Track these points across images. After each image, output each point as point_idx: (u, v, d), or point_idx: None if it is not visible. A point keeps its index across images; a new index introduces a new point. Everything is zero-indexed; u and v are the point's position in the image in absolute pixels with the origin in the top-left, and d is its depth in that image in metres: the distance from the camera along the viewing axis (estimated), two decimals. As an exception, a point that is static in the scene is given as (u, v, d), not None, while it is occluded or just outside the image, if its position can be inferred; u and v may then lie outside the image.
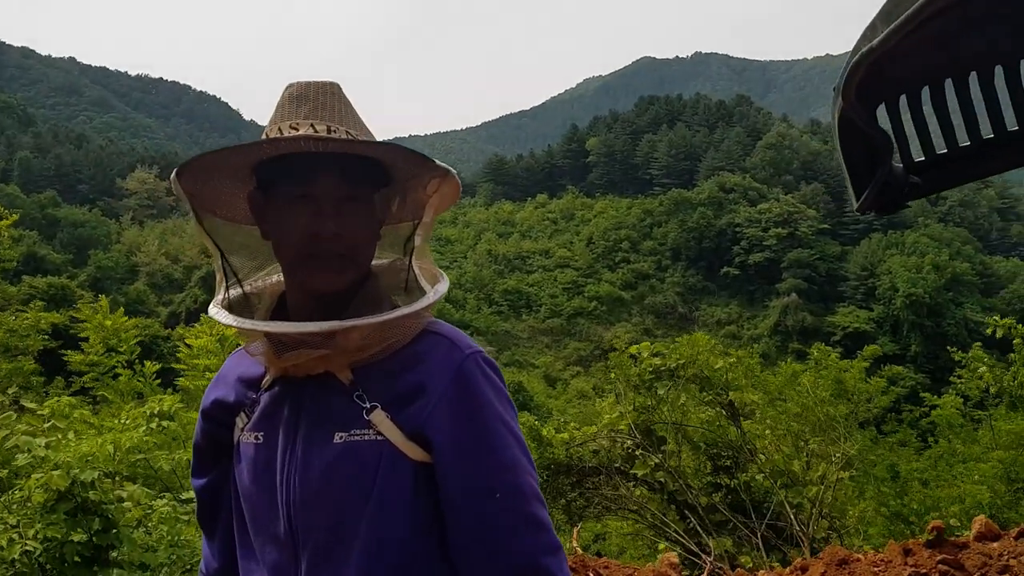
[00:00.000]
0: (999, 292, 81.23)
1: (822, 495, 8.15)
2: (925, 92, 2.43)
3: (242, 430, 1.52)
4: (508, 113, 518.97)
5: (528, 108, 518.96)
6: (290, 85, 1.43)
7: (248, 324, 1.40)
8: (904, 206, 2.47)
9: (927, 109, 2.47)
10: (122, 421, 5.03)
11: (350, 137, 1.38)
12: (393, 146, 1.36)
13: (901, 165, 2.49)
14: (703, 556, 7.31)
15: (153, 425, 4.98)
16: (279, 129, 1.37)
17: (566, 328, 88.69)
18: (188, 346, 6.82)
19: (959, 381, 16.87)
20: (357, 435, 1.39)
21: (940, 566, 3.91)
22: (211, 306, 1.49)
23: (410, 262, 1.53)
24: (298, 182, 1.38)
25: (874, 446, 15.54)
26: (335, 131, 1.37)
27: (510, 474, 1.41)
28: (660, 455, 8.01)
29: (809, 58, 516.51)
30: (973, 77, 2.39)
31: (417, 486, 1.41)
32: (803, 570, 4.29)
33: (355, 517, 1.37)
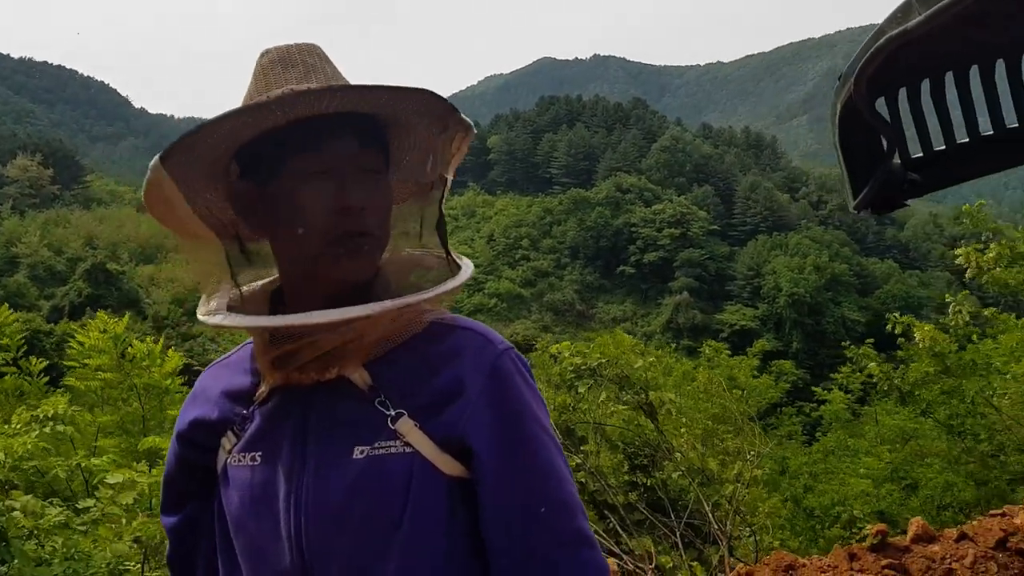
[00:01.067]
0: (874, 292, 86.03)
1: (738, 493, 8.22)
2: (925, 85, 2.33)
3: (231, 452, 1.28)
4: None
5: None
6: (267, 51, 1.21)
7: (279, 321, 1.16)
8: (902, 205, 2.36)
9: (926, 103, 2.36)
10: (13, 426, 4.50)
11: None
12: (426, 90, 1.14)
13: (899, 162, 2.38)
14: (624, 557, 7.24)
15: (47, 429, 4.49)
16: (268, 99, 1.10)
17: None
18: (80, 343, 6.24)
19: (839, 376, 17.66)
20: (382, 448, 1.18)
21: (886, 571, 3.91)
22: (209, 311, 1.25)
23: (439, 236, 1.31)
24: (312, 154, 1.15)
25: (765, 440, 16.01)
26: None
27: (555, 484, 1.23)
28: (581, 455, 7.90)
29: (701, 64, 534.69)
30: (974, 71, 2.30)
31: (453, 505, 1.20)
32: None
33: (383, 543, 1.16)
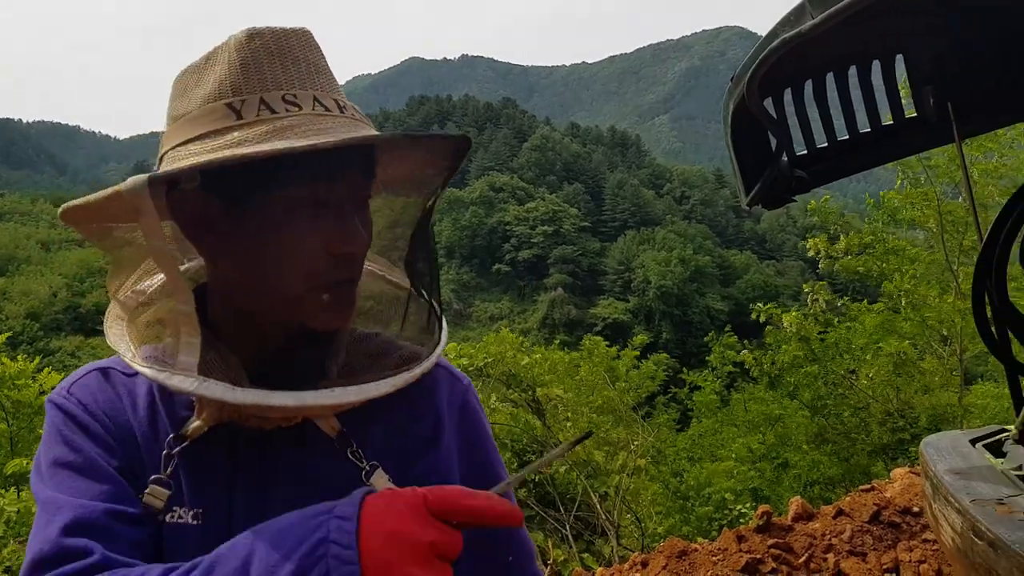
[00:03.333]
0: (735, 282, 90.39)
1: (623, 483, 8.42)
2: (808, 85, 2.43)
3: (166, 509, 0.98)
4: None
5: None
6: (256, 33, 0.94)
7: (242, 394, 0.90)
8: (791, 200, 2.46)
9: (809, 103, 2.47)
10: None
11: (356, 113, 0.98)
12: (458, 137, 1.01)
13: (786, 159, 2.47)
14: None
15: None
16: (263, 103, 0.91)
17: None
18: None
19: (711, 359, 18.44)
20: None
21: (772, 550, 4.08)
22: (176, 365, 0.93)
23: (429, 275, 1.13)
24: (312, 182, 0.92)
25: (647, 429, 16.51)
26: (343, 106, 0.96)
27: (520, 533, 1.15)
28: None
29: (567, 65, 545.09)
30: (853, 72, 2.42)
31: None
32: (644, 564, 4.30)
33: None
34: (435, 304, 1.12)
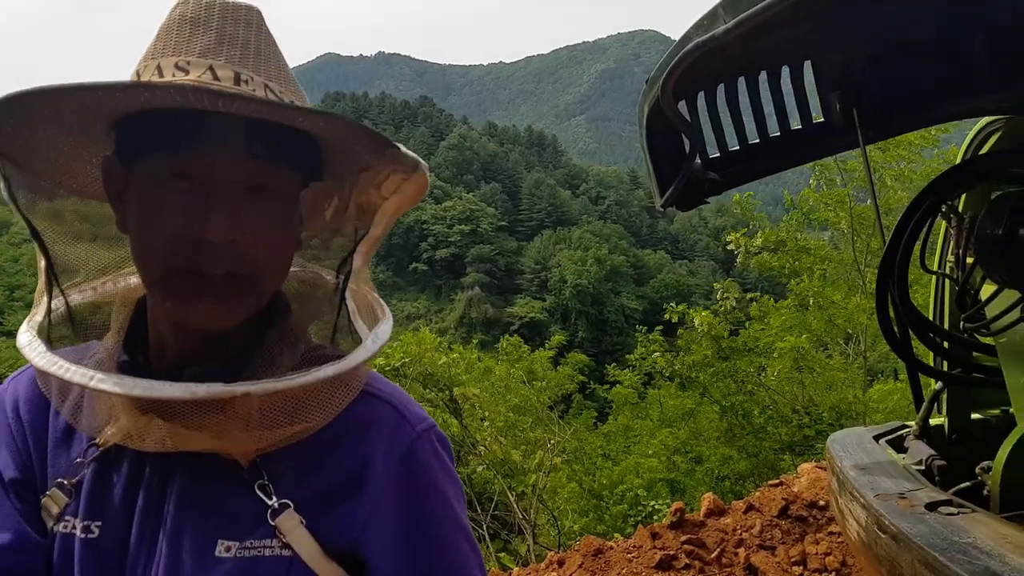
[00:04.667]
0: (649, 281, 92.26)
1: (540, 481, 8.46)
2: (720, 89, 2.46)
3: (59, 517, 0.95)
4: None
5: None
6: (182, 0, 0.90)
7: (75, 374, 0.85)
8: (703, 201, 2.49)
9: (721, 106, 2.51)
10: None
11: (271, 94, 0.89)
12: (344, 119, 0.86)
13: (700, 161, 2.50)
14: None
15: None
16: (158, 67, 0.86)
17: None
18: None
19: (631, 357, 18.78)
20: (254, 548, 0.91)
21: (685, 546, 4.15)
22: (22, 330, 0.94)
23: (343, 292, 1.04)
24: (176, 151, 0.85)
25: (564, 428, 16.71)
26: (247, 81, 0.87)
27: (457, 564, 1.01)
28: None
29: (484, 64, 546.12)
30: (763, 76, 2.46)
31: None
32: (560, 563, 4.32)
33: None
34: (346, 311, 1.04)
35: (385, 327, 1.01)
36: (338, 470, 0.94)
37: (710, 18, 1.93)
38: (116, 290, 1.03)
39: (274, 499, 0.92)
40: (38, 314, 0.97)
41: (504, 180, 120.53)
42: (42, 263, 0.96)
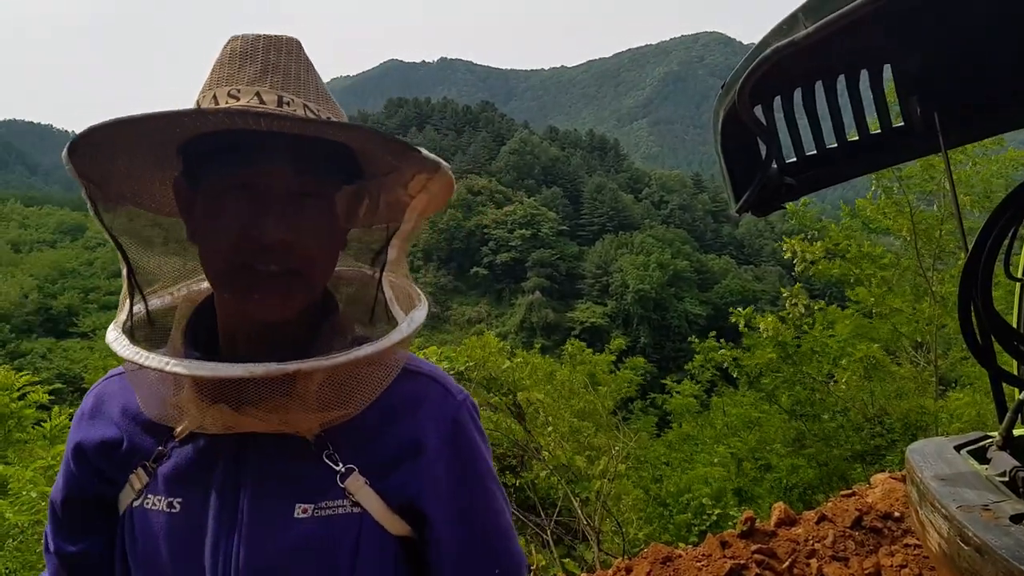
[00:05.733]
0: (713, 287, 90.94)
1: (604, 488, 8.42)
2: (797, 94, 2.44)
3: (141, 493, 1.12)
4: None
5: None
6: (233, 38, 1.05)
7: (152, 360, 1.00)
8: (780, 207, 2.48)
9: (798, 111, 2.48)
10: None
11: (309, 113, 1.02)
12: (366, 129, 0.99)
13: (776, 167, 2.49)
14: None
15: None
16: (214, 97, 1.00)
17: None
18: None
19: (690, 366, 18.56)
20: (328, 508, 1.06)
21: (756, 555, 4.09)
22: (110, 329, 1.09)
23: (380, 281, 1.19)
24: (234, 167, 0.99)
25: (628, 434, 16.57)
26: (288, 103, 1.01)
27: (506, 543, 1.20)
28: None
29: (546, 69, 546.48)
30: (841, 80, 2.43)
31: (397, 567, 1.13)
32: (628, 571, 4.30)
33: None
34: (382, 297, 1.18)
35: (420, 312, 1.16)
36: (396, 438, 1.11)
37: (790, 22, 1.92)
38: (187, 294, 1.19)
39: (341, 465, 1.07)
40: (122, 315, 1.11)
41: (565, 184, 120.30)
42: (124, 271, 1.11)
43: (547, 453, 8.70)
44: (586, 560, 7.58)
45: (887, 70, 2.45)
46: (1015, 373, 2.65)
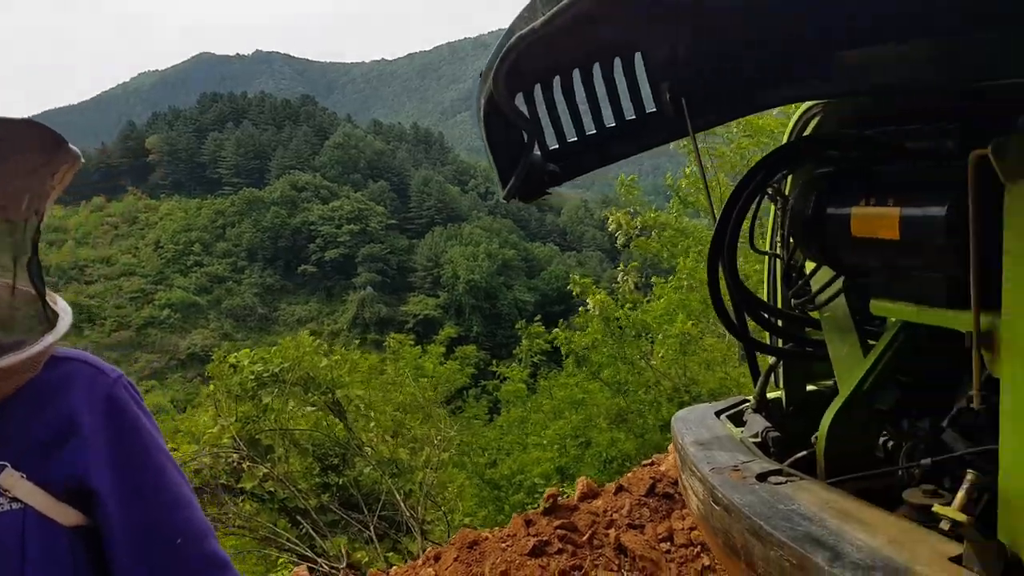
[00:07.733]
0: (539, 274, 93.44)
1: (427, 478, 8.43)
2: (556, 81, 2.50)
3: None
4: (48, 109, 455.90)
5: (76, 103, 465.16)
6: None
7: None
8: (546, 193, 2.53)
9: (558, 98, 2.55)
10: None
11: None
12: (32, 124, 0.99)
13: (540, 153, 2.54)
14: (319, 560, 7.09)
15: None
16: None
17: (136, 340, 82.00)
18: None
19: (518, 351, 18.98)
20: None
21: (558, 531, 4.22)
22: None
23: (30, 276, 1.13)
24: None
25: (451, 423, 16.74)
26: None
27: (186, 512, 1.21)
28: (268, 464, 7.57)
29: (367, 62, 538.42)
30: (597, 68, 2.52)
31: (76, 559, 1.10)
32: (436, 559, 4.32)
33: None
34: (40, 301, 1.13)
35: (63, 303, 1.16)
36: (49, 423, 1.08)
37: (530, 10, 1.95)
38: None
39: None
40: None
41: (392, 178, 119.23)
42: None
43: (370, 449, 8.59)
44: (412, 552, 7.57)
45: (638, 57, 2.55)
46: (767, 343, 2.85)
